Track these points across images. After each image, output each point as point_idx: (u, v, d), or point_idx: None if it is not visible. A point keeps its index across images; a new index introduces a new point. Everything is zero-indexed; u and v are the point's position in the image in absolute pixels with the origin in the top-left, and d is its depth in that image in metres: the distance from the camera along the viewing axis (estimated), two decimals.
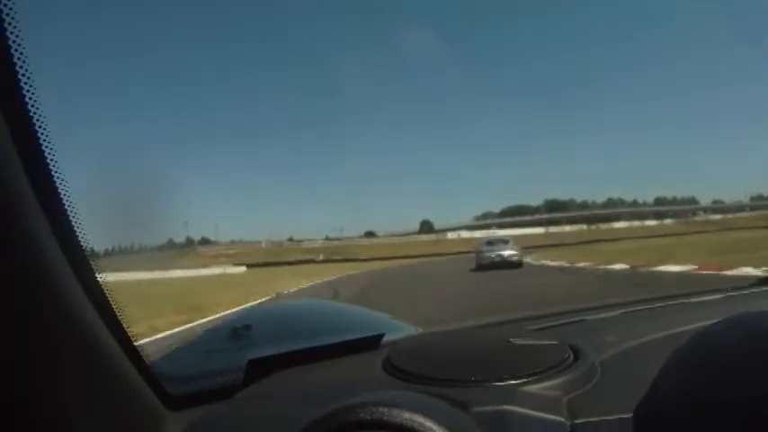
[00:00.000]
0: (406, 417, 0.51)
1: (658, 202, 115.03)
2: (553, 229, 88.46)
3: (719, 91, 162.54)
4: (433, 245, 74.50)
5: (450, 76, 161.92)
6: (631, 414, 0.49)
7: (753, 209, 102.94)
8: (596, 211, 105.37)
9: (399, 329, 1.33)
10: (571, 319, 1.24)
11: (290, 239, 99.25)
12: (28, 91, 0.50)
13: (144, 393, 0.68)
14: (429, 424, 0.50)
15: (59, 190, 0.54)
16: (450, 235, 79.77)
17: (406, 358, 0.82)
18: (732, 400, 0.37)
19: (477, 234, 71.11)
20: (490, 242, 20.82)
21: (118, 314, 0.63)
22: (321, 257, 69.51)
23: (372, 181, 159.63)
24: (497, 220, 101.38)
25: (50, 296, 0.52)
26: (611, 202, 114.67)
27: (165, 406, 0.72)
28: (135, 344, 0.66)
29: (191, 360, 1.17)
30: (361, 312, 1.76)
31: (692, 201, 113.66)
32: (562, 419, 0.60)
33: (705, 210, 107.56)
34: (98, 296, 0.59)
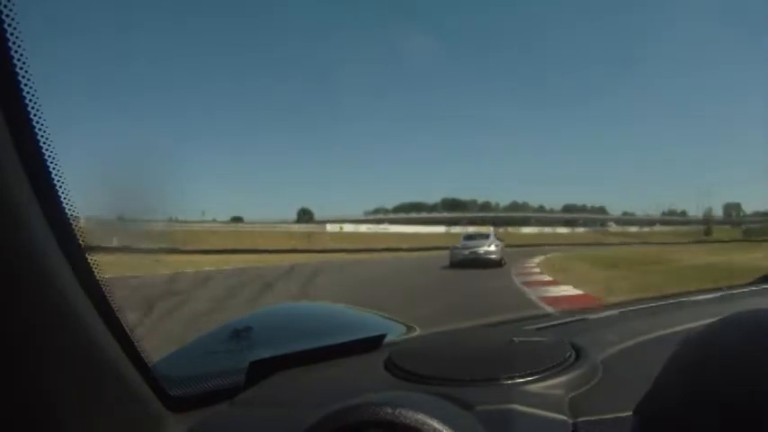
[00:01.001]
0: (411, 416, 0.51)
1: (567, 209, 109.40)
2: (455, 229, 79.67)
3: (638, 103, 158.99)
4: (303, 239, 56.47)
5: (351, 72, 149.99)
6: (633, 412, 0.49)
7: (663, 223, 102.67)
8: (501, 213, 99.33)
9: (400, 330, 1.32)
10: (572, 319, 1.26)
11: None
12: (23, 77, 0.49)
13: (145, 395, 0.68)
14: (433, 423, 0.50)
15: (59, 190, 0.54)
16: (331, 227, 66.97)
17: (409, 358, 0.83)
18: (732, 398, 0.37)
19: (363, 228, 66.02)
20: (469, 236, 19.18)
21: (119, 315, 0.63)
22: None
23: (254, 164, 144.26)
24: (389, 216, 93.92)
25: (50, 297, 0.52)
26: (515, 206, 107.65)
27: (166, 407, 0.72)
28: (136, 345, 0.66)
29: (192, 362, 1.16)
30: (362, 313, 1.81)
31: (602, 210, 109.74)
32: (565, 418, 0.60)
33: (616, 221, 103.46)
34: (98, 297, 0.59)
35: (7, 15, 0.47)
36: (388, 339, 1.02)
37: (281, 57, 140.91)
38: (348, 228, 67.08)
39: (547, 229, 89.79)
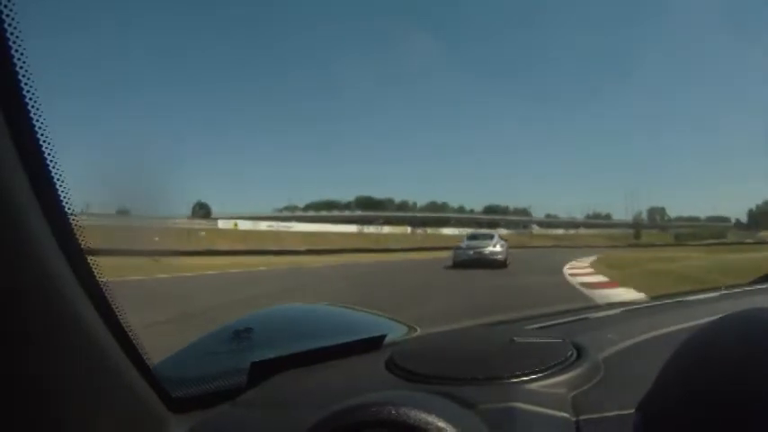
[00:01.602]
0: (413, 415, 0.51)
1: (489, 210, 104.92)
2: (369, 228, 76.82)
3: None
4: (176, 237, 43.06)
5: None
6: (635, 410, 0.50)
7: (588, 226, 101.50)
8: (419, 213, 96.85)
9: (401, 330, 1.31)
10: (573, 318, 1.25)
11: None
12: (23, 76, 0.49)
13: (146, 396, 0.68)
14: (435, 422, 0.50)
15: (59, 189, 0.54)
16: (223, 224, 58.15)
17: (410, 358, 0.83)
18: (732, 398, 0.37)
19: (263, 226, 60.19)
20: (473, 236, 18.62)
21: (119, 316, 0.63)
22: None
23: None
24: (298, 214, 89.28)
25: (51, 297, 0.52)
26: (434, 206, 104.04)
27: (167, 408, 0.72)
28: (137, 346, 0.66)
29: (193, 362, 1.16)
30: (363, 313, 1.82)
31: (525, 212, 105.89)
32: (567, 416, 0.60)
33: (539, 223, 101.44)
34: (99, 297, 0.59)
35: (7, 15, 0.47)
36: (388, 339, 1.03)
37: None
38: (246, 225, 59.34)
39: (468, 231, 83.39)
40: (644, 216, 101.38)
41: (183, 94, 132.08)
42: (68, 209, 0.55)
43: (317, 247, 38.54)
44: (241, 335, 1.21)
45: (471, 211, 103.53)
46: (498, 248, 17.00)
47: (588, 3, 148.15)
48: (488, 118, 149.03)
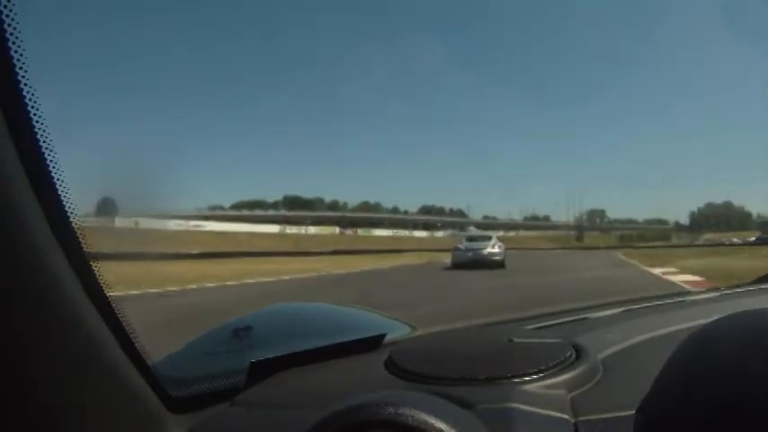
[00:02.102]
0: (412, 415, 0.51)
1: (425, 210, 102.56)
2: (292, 229, 72.02)
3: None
4: None
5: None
6: (633, 411, 0.50)
7: (527, 228, 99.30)
8: (351, 214, 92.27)
9: (400, 329, 1.32)
10: (572, 318, 1.25)
11: None
12: (23, 76, 0.50)
13: (145, 395, 0.68)
14: (435, 422, 0.50)
15: (59, 189, 0.54)
16: (120, 222, 49.53)
17: (409, 358, 0.83)
18: (731, 399, 0.37)
19: (171, 225, 55.13)
20: (471, 238, 18.85)
21: (119, 315, 0.63)
22: None
23: None
24: (218, 213, 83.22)
25: (50, 297, 0.52)
26: (366, 206, 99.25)
27: (166, 408, 0.72)
28: (136, 346, 0.66)
29: (192, 362, 1.16)
30: (363, 313, 1.80)
31: (462, 213, 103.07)
32: (566, 416, 0.60)
33: (477, 224, 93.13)
34: (99, 297, 0.59)
35: (7, 15, 0.47)
36: (388, 339, 1.02)
37: None
38: (154, 223, 52.30)
39: (402, 232, 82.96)
40: (584, 218, 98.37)
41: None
42: (69, 209, 0.55)
43: (209, 249, 33.33)
44: (240, 334, 1.21)
45: (406, 212, 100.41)
46: (497, 249, 17.19)
47: None
48: (425, 117, 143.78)
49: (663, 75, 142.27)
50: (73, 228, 0.56)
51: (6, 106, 0.48)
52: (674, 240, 66.60)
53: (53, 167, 0.53)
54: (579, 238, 78.24)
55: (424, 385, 0.70)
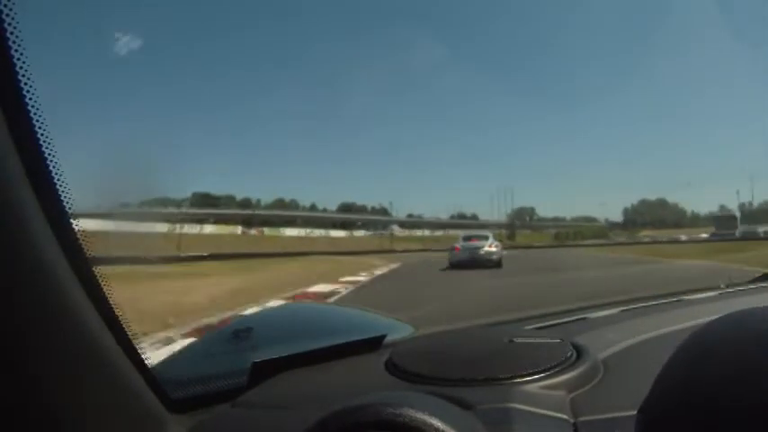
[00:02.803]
0: (412, 416, 0.51)
1: (344, 208, 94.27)
2: (192, 228, 59.80)
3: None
4: None
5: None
6: (635, 411, 0.50)
7: (454, 227, 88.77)
8: (263, 212, 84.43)
9: (401, 330, 1.31)
10: (572, 318, 1.26)
11: None
12: (23, 76, 0.50)
13: (145, 396, 0.68)
14: (434, 423, 0.51)
15: (59, 189, 0.54)
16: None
17: (409, 359, 0.83)
18: (732, 398, 0.37)
19: None
20: (467, 237, 18.16)
21: (119, 316, 0.63)
22: None
23: None
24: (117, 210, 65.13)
25: (50, 298, 0.52)
26: (281, 203, 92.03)
27: (166, 409, 0.72)
28: (136, 347, 0.66)
29: (193, 363, 1.17)
30: (363, 314, 1.77)
31: (385, 212, 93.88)
32: (566, 417, 0.60)
33: (401, 223, 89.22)
34: (99, 297, 0.59)
35: (7, 15, 0.47)
36: (388, 339, 1.03)
37: None
38: None
39: (318, 232, 74.38)
40: (514, 216, 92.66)
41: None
42: (69, 209, 0.55)
43: None
44: (241, 335, 1.21)
45: (325, 210, 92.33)
46: (494, 249, 17.04)
47: None
48: (344, 110, 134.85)
49: (591, 72, 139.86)
50: (73, 228, 0.56)
51: (6, 106, 0.48)
52: (613, 238, 62.16)
53: (53, 167, 0.53)
54: (511, 237, 71.74)
55: (425, 386, 0.71)
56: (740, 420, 0.35)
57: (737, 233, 48.08)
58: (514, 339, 0.87)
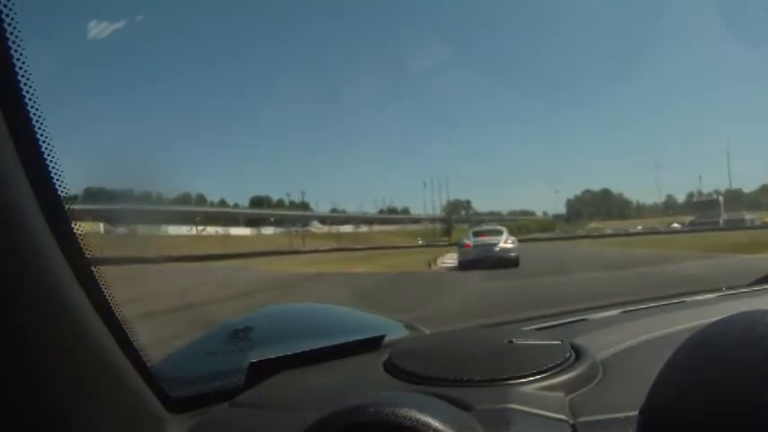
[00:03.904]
0: (410, 417, 0.51)
1: (256, 202, 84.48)
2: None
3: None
4: None
5: None
6: (633, 412, 0.50)
7: (384, 222, 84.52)
8: (166, 207, 68.52)
9: (400, 330, 1.33)
10: (572, 319, 1.26)
11: None
12: (23, 76, 0.50)
13: (144, 396, 0.68)
14: (433, 423, 0.51)
15: (59, 190, 0.55)
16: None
17: (408, 359, 0.83)
18: (731, 401, 0.37)
19: None
20: (478, 232, 16.31)
21: (119, 316, 0.63)
22: None
23: None
24: None
25: (50, 298, 0.52)
26: (185, 198, 78.28)
27: (165, 408, 0.73)
28: (136, 346, 0.67)
29: (191, 362, 1.17)
30: (363, 314, 1.81)
31: (305, 206, 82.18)
32: (565, 418, 0.61)
33: (323, 219, 78.57)
34: (99, 298, 0.60)
35: (7, 15, 0.47)
36: (387, 340, 1.03)
37: None
38: None
39: (213, 229, 61.14)
40: (449, 211, 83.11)
41: None
42: (68, 209, 0.56)
43: None
44: (240, 335, 1.21)
45: (236, 205, 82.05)
46: (510, 245, 15.04)
47: None
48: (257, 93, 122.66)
49: (528, 62, 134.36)
50: (73, 229, 0.56)
51: (6, 106, 0.48)
52: (559, 231, 55.71)
53: (53, 168, 0.53)
54: (447, 232, 62.53)
55: (424, 386, 0.71)
56: (740, 422, 0.35)
57: (721, 221, 44.57)
58: (514, 340, 0.87)
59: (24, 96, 0.50)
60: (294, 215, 74.96)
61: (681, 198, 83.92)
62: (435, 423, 0.51)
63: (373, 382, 0.79)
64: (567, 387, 0.69)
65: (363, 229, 75.15)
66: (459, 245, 16.15)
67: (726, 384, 0.38)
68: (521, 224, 69.97)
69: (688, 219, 52.90)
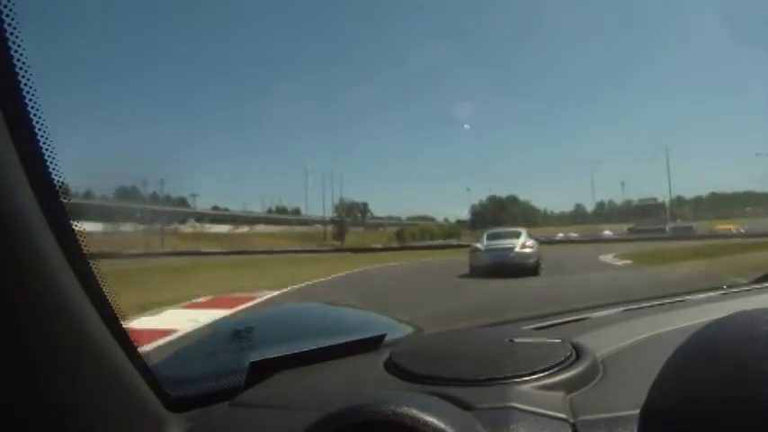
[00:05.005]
0: (411, 416, 0.51)
1: (121, 194, 69.32)
2: None
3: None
4: None
5: None
6: (633, 411, 0.50)
7: (270, 222, 77.66)
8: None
9: (401, 330, 1.31)
10: (572, 318, 1.26)
11: None
12: (23, 76, 0.50)
13: (144, 395, 0.68)
14: (433, 423, 0.51)
15: (59, 190, 0.55)
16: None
17: (408, 358, 0.83)
18: (734, 399, 0.37)
19: None
20: (493, 235, 14.54)
21: (119, 316, 0.64)
22: None
23: None
24: None
25: (50, 298, 0.53)
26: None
27: (165, 408, 0.73)
28: (136, 346, 0.67)
29: (192, 362, 1.18)
30: (363, 313, 1.79)
31: (183, 202, 72.74)
32: (565, 417, 0.61)
33: (200, 216, 70.05)
34: (99, 298, 0.60)
35: (7, 15, 0.47)
36: (388, 339, 1.03)
37: None
38: None
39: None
40: (342, 212, 75.24)
41: None
42: (68, 209, 0.56)
43: None
44: (240, 334, 1.22)
45: (90, 195, 66.76)
46: (528, 249, 13.35)
47: None
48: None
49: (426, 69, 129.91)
50: (73, 228, 0.56)
51: (6, 106, 0.48)
52: (466, 238, 49.59)
53: (53, 168, 0.53)
54: (339, 236, 55.20)
55: (424, 386, 0.71)
56: (740, 422, 0.36)
57: (668, 229, 40.58)
58: (514, 339, 0.87)
59: (24, 96, 0.50)
60: (172, 212, 63.63)
61: (590, 207, 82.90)
62: (436, 422, 0.51)
63: (374, 381, 0.79)
64: (568, 386, 0.69)
65: (243, 229, 67.11)
66: (471, 249, 14.39)
67: (726, 383, 0.38)
68: (423, 229, 64.78)
69: (626, 226, 48.63)
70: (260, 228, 68.57)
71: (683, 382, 0.43)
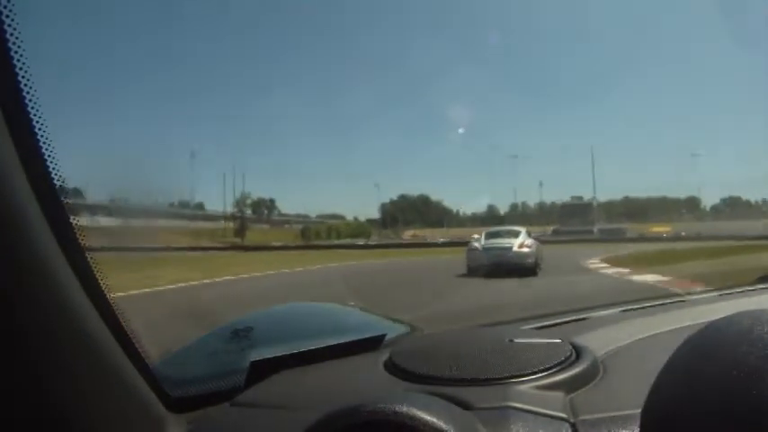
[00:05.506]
0: (411, 416, 0.52)
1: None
2: None
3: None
4: None
5: None
6: (633, 411, 0.51)
7: (173, 216, 64.29)
8: None
9: (400, 330, 1.31)
10: (572, 318, 1.26)
11: None
12: (23, 76, 0.50)
13: (145, 396, 0.68)
14: (434, 422, 0.51)
15: (59, 190, 0.55)
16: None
17: (408, 358, 0.84)
18: (731, 400, 0.37)
19: None
20: (492, 233, 14.25)
21: (119, 315, 0.64)
22: None
23: None
24: None
25: (51, 297, 0.53)
26: None
27: (166, 408, 0.73)
28: (137, 346, 0.67)
29: (192, 362, 1.17)
30: (363, 313, 1.80)
31: (79, 194, 60.85)
32: (565, 416, 0.61)
33: (92, 210, 55.57)
34: (99, 297, 0.60)
35: (7, 16, 0.47)
36: (388, 339, 1.03)
37: None
38: None
39: None
40: (247, 208, 70.71)
41: None
42: (68, 209, 0.56)
43: None
44: (240, 334, 1.23)
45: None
46: (526, 249, 12.98)
47: None
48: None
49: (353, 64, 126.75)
50: (73, 228, 0.56)
51: (6, 106, 0.48)
52: (376, 238, 48.67)
53: (53, 168, 0.53)
54: (240, 233, 51.44)
55: (424, 386, 0.71)
56: (739, 422, 0.36)
57: (596, 230, 38.70)
58: (514, 339, 0.88)
59: (24, 96, 0.50)
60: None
61: (504, 209, 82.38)
62: (436, 422, 0.51)
63: (374, 381, 0.79)
64: (568, 386, 0.69)
65: (138, 223, 58.19)
66: (469, 248, 13.81)
67: (726, 384, 0.38)
68: (331, 227, 62.19)
69: (551, 228, 45.86)
70: (161, 222, 63.17)
71: (683, 382, 0.43)
